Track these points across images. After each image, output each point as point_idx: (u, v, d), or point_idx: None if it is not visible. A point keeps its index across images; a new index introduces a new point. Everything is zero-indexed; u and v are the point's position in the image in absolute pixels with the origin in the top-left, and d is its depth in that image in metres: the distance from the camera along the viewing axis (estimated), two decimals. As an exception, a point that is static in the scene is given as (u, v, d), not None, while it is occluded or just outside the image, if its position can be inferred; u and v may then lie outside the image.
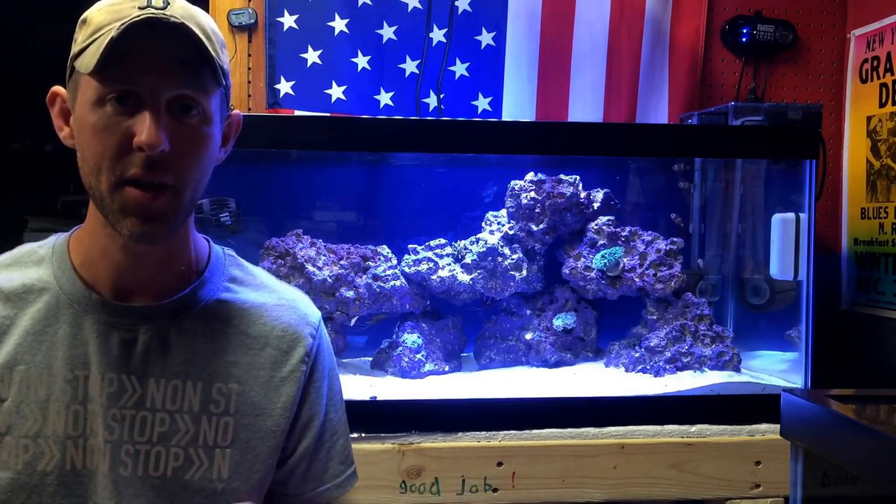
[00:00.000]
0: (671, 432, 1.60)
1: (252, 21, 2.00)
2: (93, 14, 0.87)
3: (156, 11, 0.84)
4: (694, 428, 1.61)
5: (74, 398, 0.90)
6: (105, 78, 0.84)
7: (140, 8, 0.84)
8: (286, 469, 0.99)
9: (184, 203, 0.89)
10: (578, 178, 1.86)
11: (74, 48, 0.87)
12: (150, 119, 0.84)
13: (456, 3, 2.06)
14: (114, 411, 0.90)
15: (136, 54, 0.83)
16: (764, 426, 1.62)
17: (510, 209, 1.86)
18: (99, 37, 0.83)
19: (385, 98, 2.06)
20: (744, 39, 2.14)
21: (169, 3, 0.86)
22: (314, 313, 1.05)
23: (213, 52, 0.87)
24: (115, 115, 0.84)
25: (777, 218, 1.78)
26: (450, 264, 1.83)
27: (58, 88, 0.92)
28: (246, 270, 1.05)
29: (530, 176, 1.84)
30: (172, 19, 0.84)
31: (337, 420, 1.03)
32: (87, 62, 0.83)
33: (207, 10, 1.97)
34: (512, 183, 1.86)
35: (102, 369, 0.91)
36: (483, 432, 1.56)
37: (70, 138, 0.91)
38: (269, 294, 1.03)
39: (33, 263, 0.96)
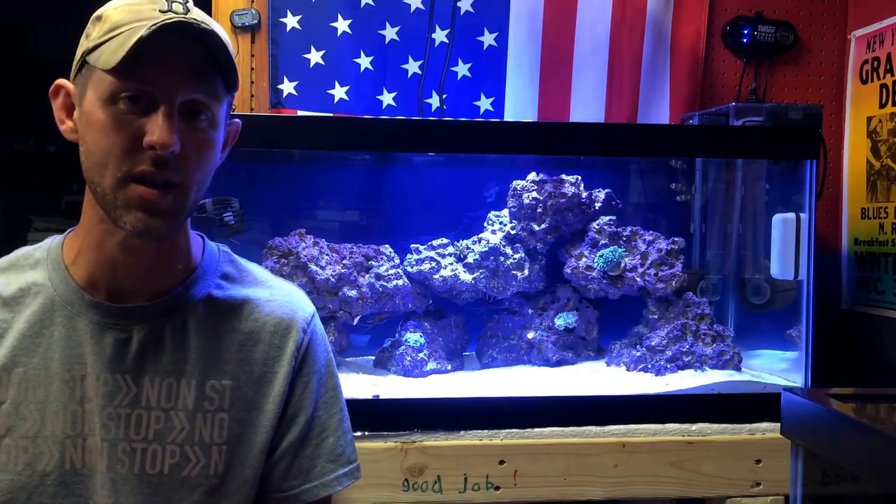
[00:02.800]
0: (672, 431, 1.61)
1: (255, 22, 2.01)
2: (109, 12, 0.87)
3: (178, 16, 0.85)
4: (695, 426, 1.62)
5: (72, 398, 0.91)
6: (123, 76, 0.84)
7: (161, 11, 0.85)
8: (269, 464, 0.98)
9: (188, 203, 0.90)
10: (580, 178, 1.86)
11: (87, 43, 0.88)
12: (164, 120, 0.85)
13: (458, 4, 2.07)
14: (109, 410, 0.91)
15: (155, 55, 0.84)
16: (764, 425, 1.63)
17: (512, 209, 1.87)
18: (118, 34, 0.84)
19: (388, 98, 2.07)
20: (745, 40, 2.14)
21: (189, 11, 0.87)
22: (307, 308, 1.05)
23: (233, 60, 0.89)
24: (127, 113, 0.85)
25: (778, 218, 1.78)
26: (452, 264, 1.83)
27: (62, 81, 0.93)
28: (239, 267, 1.05)
29: (532, 176, 1.85)
30: (203, 25, 0.86)
31: (327, 418, 1.02)
32: (106, 58, 0.84)
33: (210, 11, 1.98)
34: (514, 183, 1.86)
35: (98, 369, 0.91)
36: (485, 431, 1.57)
37: (72, 132, 0.91)
38: (262, 290, 1.03)
39: (29, 266, 0.97)
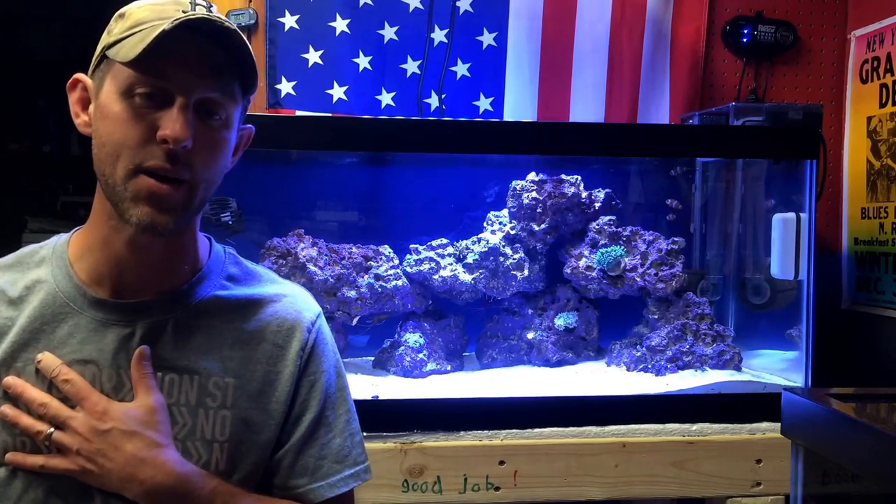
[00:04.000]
0: (672, 431, 1.61)
1: (252, 22, 2.01)
2: (133, 10, 0.89)
3: (205, 14, 0.87)
4: (695, 426, 1.62)
5: None
6: (141, 70, 0.86)
7: (184, 12, 0.87)
8: (273, 460, 0.98)
9: (195, 200, 0.91)
10: (580, 178, 1.86)
11: (109, 39, 0.89)
12: (179, 114, 0.86)
13: (457, 4, 2.07)
14: None
15: (175, 52, 0.86)
16: (765, 425, 1.63)
17: (512, 209, 1.86)
18: (141, 30, 0.86)
19: (386, 98, 2.07)
20: (745, 40, 2.14)
21: (212, 14, 0.89)
22: (312, 308, 1.05)
23: (252, 61, 0.91)
24: (143, 107, 0.87)
25: (778, 218, 1.78)
26: (451, 264, 1.83)
27: (80, 76, 0.94)
28: (245, 268, 1.06)
29: (532, 176, 1.85)
30: (226, 24, 0.87)
31: (334, 418, 1.02)
32: (126, 52, 0.85)
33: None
34: (513, 183, 1.86)
35: (101, 365, 0.92)
36: (485, 431, 1.56)
37: (86, 126, 0.93)
38: (267, 290, 1.03)
39: (34, 264, 0.97)
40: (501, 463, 1.55)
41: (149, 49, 0.83)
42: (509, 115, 2.10)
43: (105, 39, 0.90)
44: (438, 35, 2.07)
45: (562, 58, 2.11)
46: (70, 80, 0.94)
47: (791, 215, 1.75)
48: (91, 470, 0.87)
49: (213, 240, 1.05)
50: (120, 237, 0.92)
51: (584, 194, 1.86)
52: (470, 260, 1.82)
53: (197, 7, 0.88)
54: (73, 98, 0.94)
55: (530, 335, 1.85)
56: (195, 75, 0.87)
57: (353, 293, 1.74)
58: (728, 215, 2.00)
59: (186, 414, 0.93)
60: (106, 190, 0.90)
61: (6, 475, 0.90)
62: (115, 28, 0.89)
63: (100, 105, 0.89)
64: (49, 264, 0.96)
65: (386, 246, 1.83)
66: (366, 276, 1.77)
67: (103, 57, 0.89)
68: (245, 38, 0.92)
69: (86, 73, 0.94)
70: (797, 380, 1.73)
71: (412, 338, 1.77)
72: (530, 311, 1.88)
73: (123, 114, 0.86)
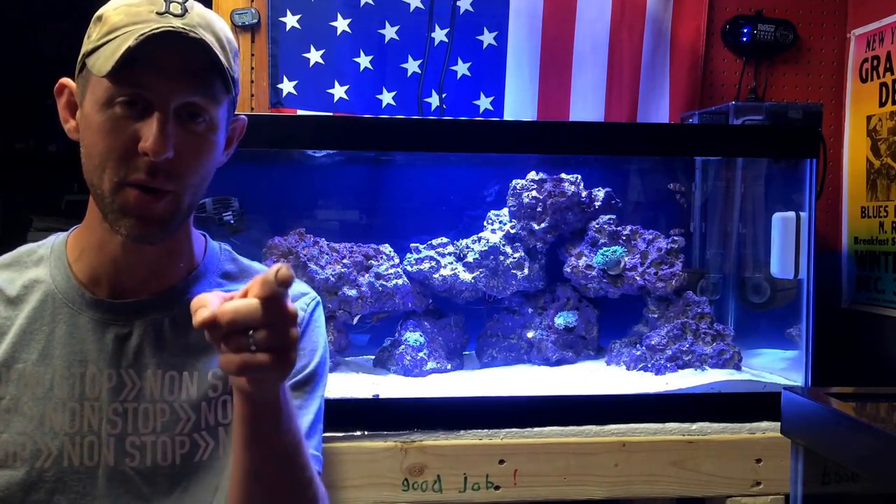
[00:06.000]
0: (672, 430, 1.61)
1: (255, 21, 2.01)
2: (109, 13, 0.88)
3: (174, 21, 0.85)
4: (695, 426, 1.62)
5: (71, 395, 0.92)
6: (117, 81, 0.85)
7: (158, 14, 0.86)
8: None
9: (183, 207, 0.91)
10: (580, 177, 1.86)
11: (88, 45, 0.88)
12: (158, 126, 0.85)
13: (458, 3, 2.07)
14: (115, 405, 0.92)
15: (149, 60, 0.85)
16: (765, 424, 1.62)
17: (512, 208, 1.87)
18: (114, 38, 0.85)
19: (387, 98, 2.07)
20: (744, 39, 2.14)
21: (187, 11, 0.87)
22: (309, 294, 1.06)
23: (226, 64, 0.89)
24: (124, 117, 0.86)
25: (777, 217, 1.78)
26: (452, 263, 1.83)
27: (66, 80, 0.94)
28: (241, 265, 1.06)
29: (532, 175, 1.85)
30: (192, 34, 0.85)
31: (303, 401, 1.01)
32: (100, 65, 0.84)
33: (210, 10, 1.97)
34: (513, 182, 1.86)
35: (101, 366, 0.92)
36: (485, 430, 1.57)
37: (75, 132, 0.93)
38: None
39: (32, 263, 0.98)
40: (501, 462, 1.55)
41: (119, 64, 0.82)
42: (509, 115, 2.10)
43: (85, 44, 0.89)
44: (439, 34, 2.07)
45: (562, 57, 2.11)
46: (56, 86, 0.94)
47: (791, 214, 1.75)
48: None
49: (209, 237, 1.05)
50: (115, 240, 0.92)
51: (584, 193, 1.86)
52: (470, 259, 1.82)
53: (171, 5, 0.86)
54: (61, 104, 0.94)
55: (530, 334, 1.86)
56: (173, 81, 0.86)
57: (353, 292, 1.74)
58: (728, 214, 2.00)
59: (189, 409, 0.94)
60: (95, 199, 0.90)
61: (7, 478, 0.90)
62: (93, 33, 0.88)
63: (84, 115, 0.89)
64: (47, 264, 0.97)
65: (386, 245, 1.83)
66: (366, 275, 1.77)
67: (85, 63, 0.89)
68: (225, 33, 0.90)
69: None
70: (797, 379, 1.73)
71: (412, 336, 1.77)
72: (530, 310, 1.88)
73: (106, 125, 0.86)
